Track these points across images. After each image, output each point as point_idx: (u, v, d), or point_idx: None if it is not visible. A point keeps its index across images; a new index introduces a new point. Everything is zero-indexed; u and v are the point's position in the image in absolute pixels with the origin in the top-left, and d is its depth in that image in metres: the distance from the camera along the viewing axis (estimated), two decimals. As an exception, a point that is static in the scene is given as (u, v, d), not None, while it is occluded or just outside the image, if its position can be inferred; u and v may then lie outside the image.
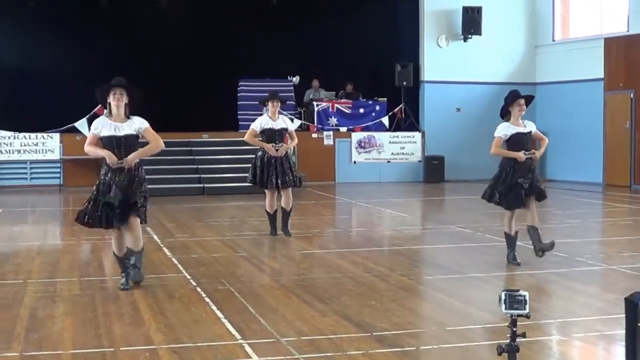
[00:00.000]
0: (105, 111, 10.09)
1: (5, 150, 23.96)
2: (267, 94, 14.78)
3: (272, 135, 14.05)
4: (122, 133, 9.90)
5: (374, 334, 7.80)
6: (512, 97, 11.51)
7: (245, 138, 14.26)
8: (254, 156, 14.32)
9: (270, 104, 14.31)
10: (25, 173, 24.18)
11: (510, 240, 11.73)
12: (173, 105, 24.99)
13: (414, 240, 14.86)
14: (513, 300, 5.08)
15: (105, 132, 9.85)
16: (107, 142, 9.86)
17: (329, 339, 7.64)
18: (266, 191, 14.32)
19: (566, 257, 12.10)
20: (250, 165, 14.36)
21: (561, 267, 11.44)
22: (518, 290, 5.11)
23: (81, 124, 22.82)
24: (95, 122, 10.00)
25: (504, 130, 11.54)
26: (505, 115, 11.64)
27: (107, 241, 14.08)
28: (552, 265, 11.51)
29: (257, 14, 27.22)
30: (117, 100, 9.92)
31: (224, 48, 26.47)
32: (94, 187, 9.90)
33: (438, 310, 9.10)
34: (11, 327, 8.11)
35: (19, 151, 24.05)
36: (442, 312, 8.99)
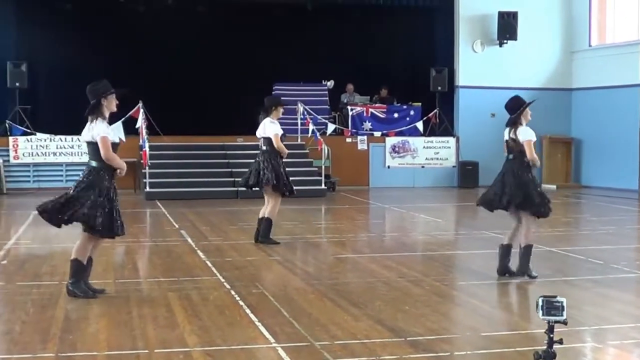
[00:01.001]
0: (106, 114, 9.72)
1: (42, 153, 24.13)
2: (272, 96, 14.40)
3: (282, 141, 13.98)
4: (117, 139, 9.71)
5: (407, 339, 7.78)
6: (528, 103, 11.34)
7: (279, 143, 13.85)
8: (265, 162, 13.86)
9: (280, 108, 14.17)
10: (61, 175, 24.31)
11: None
12: (208, 109, 25.08)
13: (448, 245, 14.82)
14: (550, 306, 5.06)
15: (113, 138, 9.63)
16: (114, 149, 9.57)
17: (363, 343, 7.63)
18: (279, 198, 14.10)
19: (601, 264, 12.02)
20: (269, 172, 13.77)
21: (596, 274, 11.37)
22: (556, 297, 5.08)
23: (116, 127, 22.89)
24: (106, 127, 9.56)
25: (534, 134, 11.26)
26: (520, 117, 11.33)
27: (143, 243, 14.19)
28: (587, 272, 11.45)
29: (293, 18, 27.31)
30: (117, 107, 9.82)
31: (259, 52, 26.49)
32: (100, 197, 9.35)
33: (472, 316, 9.06)
34: (46, 328, 8.16)
35: (54, 153, 24.22)
36: (476, 317, 8.95)
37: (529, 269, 10.95)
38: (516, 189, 10.96)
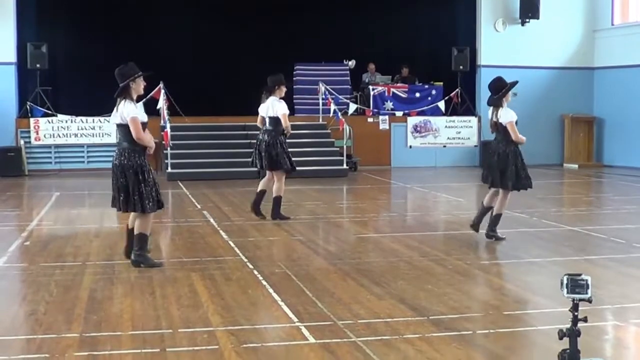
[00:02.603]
0: (134, 96, 10.04)
1: (63, 134, 24.21)
2: (275, 75, 14.39)
3: None
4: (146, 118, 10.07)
5: (430, 317, 7.80)
6: (511, 86, 11.96)
7: (287, 123, 13.98)
8: (266, 142, 14.06)
9: (283, 87, 14.20)
10: (83, 156, 24.41)
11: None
12: (230, 89, 25.06)
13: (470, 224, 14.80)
14: (575, 284, 5.05)
15: (142, 118, 9.96)
16: (143, 128, 9.94)
17: (386, 322, 7.65)
18: (283, 176, 14.27)
19: (623, 243, 11.99)
20: (273, 154, 14.01)
21: (618, 252, 11.35)
22: (580, 275, 5.08)
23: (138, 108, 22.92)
24: (135, 108, 9.91)
25: (515, 115, 11.93)
26: (501, 100, 11.80)
27: (165, 224, 14.26)
28: (609, 251, 11.43)
29: (315, -3, 27.24)
30: (143, 89, 10.13)
31: (280, 32, 26.49)
32: (146, 174, 9.93)
33: (495, 295, 9.06)
34: (71, 308, 8.22)
35: (76, 135, 24.29)
36: (498, 296, 8.95)
37: (496, 232, 12.10)
38: (496, 168, 11.89)
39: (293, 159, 14.33)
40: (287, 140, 14.19)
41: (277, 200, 14.19)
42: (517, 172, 11.81)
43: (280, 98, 14.07)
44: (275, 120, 13.93)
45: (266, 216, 14.26)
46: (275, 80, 14.19)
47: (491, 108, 11.95)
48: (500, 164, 11.83)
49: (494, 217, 12.10)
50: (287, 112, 14.01)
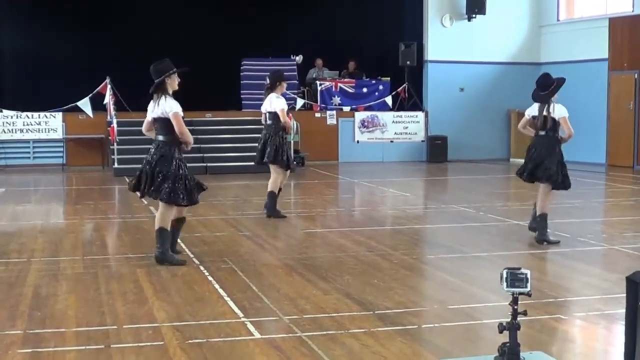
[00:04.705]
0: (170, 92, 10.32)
1: (8, 130, 23.90)
2: (275, 72, 14.85)
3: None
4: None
5: (376, 312, 7.83)
6: (561, 82, 11.78)
7: (285, 117, 14.18)
8: (268, 138, 14.25)
9: (284, 83, 14.57)
10: (28, 152, 24.15)
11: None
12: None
13: (417, 219, 14.88)
14: (514, 278, 5.08)
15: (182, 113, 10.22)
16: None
17: (331, 317, 7.66)
18: (282, 172, 14.40)
19: (568, 237, 12.11)
20: (271, 148, 14.17)
21: (563, 246, 11.46)
22: (519, 269, 5.11)
23: (84, 104, 22.74)
24: (176, 104, 10.17)
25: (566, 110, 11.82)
26: (550, 97, 11.72)
27: (111, 220, 14.17)
28: (554, 245, 11.53)
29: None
30: (178, 84, 10.44)
31: (226, 27, 26.42)
32: (177, 167, 10.06)
33: (440, 289, 9.12)
34: (15, 305, 8.15)
35: (21, 130, 23.99)
36: (444, 291, 9.01)
37: (547, 236, 11.65)
38: (549, 163, 11.69)
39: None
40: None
41: (272, 195, 14.29)
42: (562, 169, 11.77)
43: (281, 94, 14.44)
44: (274, 115, 14.20)
45: (286, 216, 14.34)
46: (275, 77, 14.51)
47: (536, 104, 11.86)
48: (546, 157, 11.73)
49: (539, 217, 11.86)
50: (286, 107, 14.30)
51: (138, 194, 10.37)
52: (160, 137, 10.18)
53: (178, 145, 10.15)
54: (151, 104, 10.32)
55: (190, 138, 10.21)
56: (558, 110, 11.71)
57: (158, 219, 10.24)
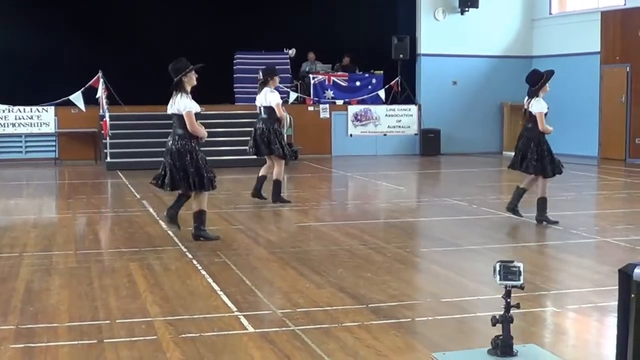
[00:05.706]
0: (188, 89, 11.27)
1: (0, 124, 23.86)
2: (267, 67, 15.61)
3: None
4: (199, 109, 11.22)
5: (369, 305, 7.83)
6: (549, 76, 12.47)
7: (281, 111, 14.79)
8: (263, 131, 14.74)
9: (276, 78, 15.08)
10: (20, 146, 24.09)
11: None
12: (168, 78, 24.83)
13: (410, 212, 14.88)
14: (507, 271, 5.10)
15: (197, 109, 11.14)
16: (196, 118, 11.16)
17: (325, 310, 7.66)
18: (282, 161, 14.93)
19: (560, 230, 12.14)
20: (266, 141, 14.75)
21: (555, 239, 11.49)
22: (512, 262, 5.13)
23: (76, 97, 22.66)
24: (190, 102, 11.09)
25: (545, 106, 12.51)
26: (539, 90, 12.42)
27: (104, 214, 14.16)
28: (547, 238, 11.57)
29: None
30: (196, 80, 11.25)
31: (220, 20, 26.37)
32: (198, 158, 11.10)
33: (433, 282, 9.12)
34: (7, 300, 8.13)
35: (13, 124, 23.93)
36: (437, 284, 9.01)
37: (546, 216, 12.54)
38: (531, 156, 12.56)
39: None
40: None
41: (277, 184, 14.87)
42: (541, 158, 12.54)
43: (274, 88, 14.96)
44: (269, 110, 14.74)
45: (267, 198, 14.94)
46: (268, 72, 15.19)
47: (527, 98, 12.57)
48: (524, 147, 12.62)
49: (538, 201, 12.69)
50: (280, 101, 14.90)
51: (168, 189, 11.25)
52: (179, 130, 11.10)
53: (194, 138, 11.05)
54: (170, 100, 11.16)
55: (202, 133, 11.12)
56: (536, 105, 12.45)
57: (197, 204, 11.18)
